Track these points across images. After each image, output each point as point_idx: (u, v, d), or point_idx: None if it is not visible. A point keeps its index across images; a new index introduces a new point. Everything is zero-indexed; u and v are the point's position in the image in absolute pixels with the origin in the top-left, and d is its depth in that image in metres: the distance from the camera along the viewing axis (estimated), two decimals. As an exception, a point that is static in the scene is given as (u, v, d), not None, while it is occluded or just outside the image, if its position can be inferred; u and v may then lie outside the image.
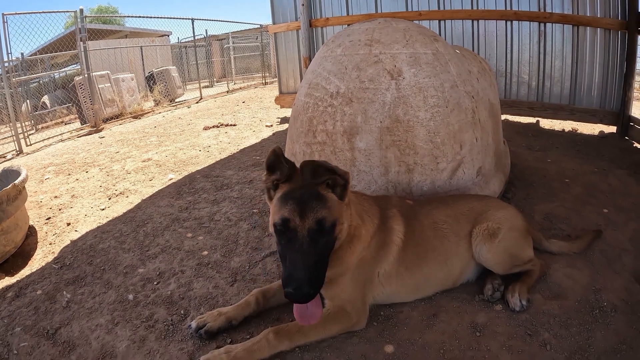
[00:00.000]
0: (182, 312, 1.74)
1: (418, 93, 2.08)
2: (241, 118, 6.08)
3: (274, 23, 5.68)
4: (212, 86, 12.16)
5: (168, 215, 2.68)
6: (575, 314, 1.57)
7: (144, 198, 3.07)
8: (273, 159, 1.34)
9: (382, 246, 1.58)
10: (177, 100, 9.43)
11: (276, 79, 6.81)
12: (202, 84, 10.24)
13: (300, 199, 1.31)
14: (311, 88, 2.36)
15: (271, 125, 5.29)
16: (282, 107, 6.06)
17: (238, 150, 4.17)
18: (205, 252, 2.21)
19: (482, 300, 1.67)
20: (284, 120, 5.57)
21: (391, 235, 1.59)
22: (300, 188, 1.34)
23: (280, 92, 5.99)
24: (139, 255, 2.23)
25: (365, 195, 1.75)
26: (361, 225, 1.54)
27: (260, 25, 14.12)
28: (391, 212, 1.64)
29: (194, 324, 1.57)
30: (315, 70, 2.40)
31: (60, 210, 3.08)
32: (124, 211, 2.87)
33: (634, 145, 3.67)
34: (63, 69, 11.14)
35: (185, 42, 13.48)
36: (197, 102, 8.91)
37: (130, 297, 1.86)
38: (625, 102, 3.78)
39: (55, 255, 2.34)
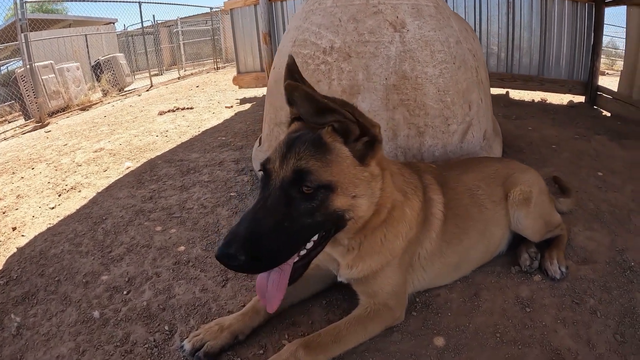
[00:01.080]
0: (165, 327, 1.36)
1: (425, 47, 1.86)
2: (197, 101, 5.53)
3: (230, -1, 5.28)
4: (161, 74, 11.39)
5: (130, 208, 2.22)
6: (610, 276, 1.50)
7: (99, 191, 2.56)
8: (290, 90, 0.99)
9: (424, 222, 1.32)
10: (126, 89, 8.83)
11: (228, 64, 6.37)
12: (151, 73, 9.52)
13: (292, 140, 1.02)
14: (297, 46, 2.04)
15: (231, 107, 4.85)
16: (240, 87, 5.62)
17: (200, 133, 3.71)
18: (182, 248, 1.83)
19: (519, 272, 1.53)
20: (244, 101, 5.14)
21: (432, 208, 1.33)
22: (301, 129, 1.06)
23: (239, 72, 5.54)
24: (100, 258, 1.79)
25: (399, 162, 1.44)
26: (404, 202, 1.23)
27: (210, 8, 13.46)
28: (427, 180, 1.37)
29: (187, 345, 1.20)
30: (300, 26, 2.08)
31: (4, 213, 2.49)
32: (78, 208, 2.36)
33: (603, 113, 3.84)
34: (4, 64, 9.70)
35: (133, 30, 12.51)
36: (147, 90, 8.27)
37: (96, 314, 1.44)
38: (593, 72, 3.94)
39: None
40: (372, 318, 1.21)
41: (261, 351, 1.23)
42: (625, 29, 3.76)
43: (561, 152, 2.76)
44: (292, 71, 1.10)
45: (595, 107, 3.99)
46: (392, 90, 1.84)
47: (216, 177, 2.58)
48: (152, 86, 8.72)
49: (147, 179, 2.62)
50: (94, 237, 1.95)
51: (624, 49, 3.85)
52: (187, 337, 1.25)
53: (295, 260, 1.02)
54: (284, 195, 0.97)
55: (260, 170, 1.05)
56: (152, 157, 3.09)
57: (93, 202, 2.38)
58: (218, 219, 2.06)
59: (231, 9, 5.29)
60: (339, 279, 1.29)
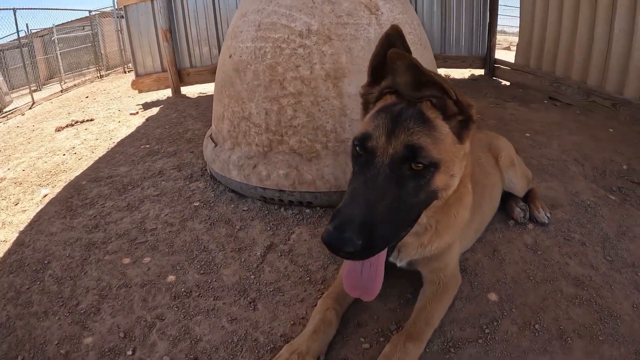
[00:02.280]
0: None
1: (395, 28, 1.97)
2: (95, 112, 4.67)
3: (123, -6, 4.60)
4: (40, 89, 9.34)
5: (75, 243, 1.78)
6: (578, 215, 1.86)
7: (21, 229, 1.99)
8: (394, 58, 0.93)
9: None
10: (5, 110, 6.99)
11: (113, 71, 5.53)
12: (31, 88, 7.71)
13: (397, 114, 0.97)
14: (264, 30, 1.92)
15: (136, 113, 4.26)
16: (141, 91, 4.97)
17: (115, 144, 3.16)
18: (172, 277, 1.56)
19: (515, 224, 1.78)
20: (148, 105, 4.54)
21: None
22: (400, 103, 1.01)
23: (137, 75, 4.89)
24: (69, 316, 1.39)
25: None
26: (466, 176, 1.22)
27: (89, 12, 11.55)
28: None
29: None
30: (263, 9, 1.96)
31: None
32: (0, 256, 1.79)
33: (503, 83, 4.65)
34: None
35: (4, 43, 9.85)
36: (30, 108, 6.79)
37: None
38: (490, 47, 4.72)
39: None
40: (446, 291, 1.26)
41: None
42: (519, 8, 4.57)
43: (487, 120, 3.26)
44: (394, 40, 1.03)
45: (494, 77, 4.81)
46: None
47: (165, 189, 2.27)
48: (34, 103, 7.23)
49: (78, 204, 2.14)
50: (44, 290, 1.51)
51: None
52: None
53: None
54: (394, 173, 0.92)
55: (356, 146, 0.99)
56: (71, 178, 2.52)
57: (20, 244, 1.82)
58: (197, 235, 1.83)
59: (125, 6, 4.65)
60: (399, 264, 1.31)
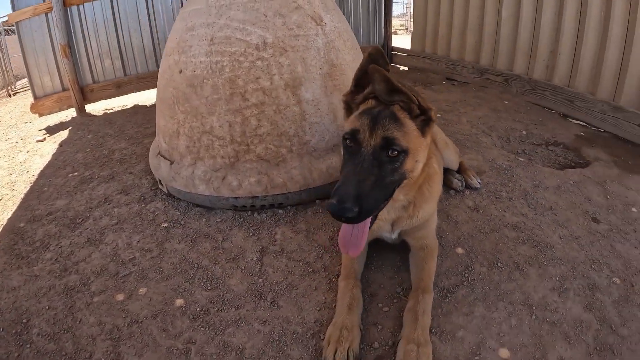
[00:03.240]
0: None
1: (339, 37, 2.24)
2: None
3: (14, 10, 3.97)
4: None
5: (49, 292, 1.61)
6: (499, 177, 2.38)
7: None
8: (373, 72, 1.26)
9: None
10: None
11: None
12: None
13: (376, 115, 1.29)
14: (218, 44, 2.00)
15: (44, 139, 3.70)
16: (41, 114, 4.35)
17: (37, 177, 2.75)
18: (180, 301, 1.57)
19: (455, 192, 2.23)
20: (53, 129, 3.94)
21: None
22: (378, 106, 1.33)
23: (36, 97, 4.25)
24: None
25: None
26: (432, 159, 1.54)
27: None
28: None
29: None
30: (213, 23, 2.02)
31: None
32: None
33: (401, 68, 5.31)
34: None
35: None
36: None
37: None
38: (387, 36, 5.36)
39: None
40: (432, 252, 1.60)
41: (378, 327, 1.43)
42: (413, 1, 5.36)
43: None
44: (376, 58, 1.32)
45: (392, 64, 5.48)
46: (327, 78, 2.14)
47: (122, 216, 2.18)
48: None
49: (28, 249, 1.91)
50: (40, 352, 1.36)
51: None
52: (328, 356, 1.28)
53: None
54: (376, 159, 1.25)
55: (347, 139, 1.30)
56: (3, 222, 2.18)
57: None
58: (183, 255, 1.85)
59: (17, 22, 3.99)
60: (393, 236, 1.60)
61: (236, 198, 2.12)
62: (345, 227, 1.33)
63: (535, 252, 1.74)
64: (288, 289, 1.63)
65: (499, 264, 1.67)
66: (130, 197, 2.39)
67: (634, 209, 1.98)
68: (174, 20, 4.37)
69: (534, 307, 1.46)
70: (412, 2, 5.09)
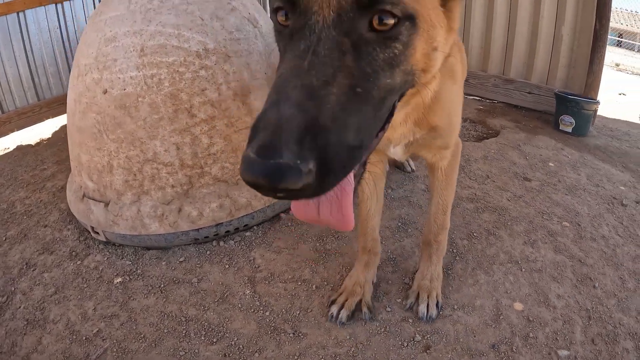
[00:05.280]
0: None
1: (272, 40, 2.20)
2: None
3: None
4: None
5: None
6: None
7: None
8: None
9: None
10: None
11: None
12: None
13: None
14: (151, 54, 1.74)
15: None
16: None
17: None
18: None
19: (407, 173, 2.47)
20: None
21: None
22: None
23: None
24: None
25: None
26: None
27: None
28: None
29: (343, 313, 1.48)
30: (142, 31, 1.75)
31: None
32: None
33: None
34: None
35: None
36: None
37: None
38: None
39: None
40: (456, 159, 1.40)
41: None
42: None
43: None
44: None
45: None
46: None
47: (58, 281, 1.74)
48: None
49: None
50: None
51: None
52: (335, 304, 1.51)
53: None
54: (346, 35, 0.62)
55: (277, 11, 0.69)
56: None
57: None
58: (161, 310, 1.57)
59: None
60: (398, 153, 1.21)
61: (198, 230, 1.90)
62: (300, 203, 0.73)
63: (496, 216, 2.04)
64: (303, 314, 1.55)
65: (475, 234, 1.91)
66: (57, 255, 1.91)
67: (550, 164, 2.49)
68: (52, 45, 3.59)
69: (519, 262, 1.73)
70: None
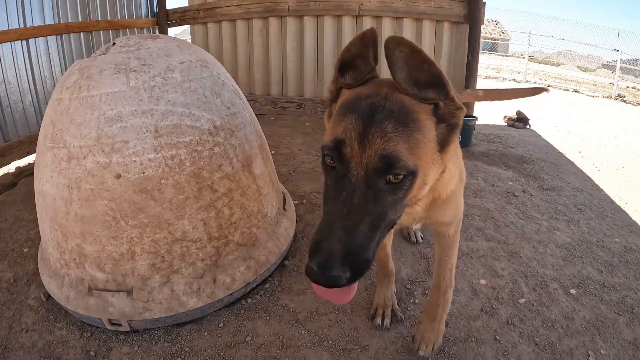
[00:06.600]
0: None
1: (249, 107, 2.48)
2: None
3: None
4: None
5: None
6: None
7: None
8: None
9: None
10: None
11: None
12: None
13: (369, 112, 0.89)
14: (166, 135, 1.85)
15: None
16: None
17: None
18: None
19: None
20: None
21: None
22: (372, 96, 0.92)
23: None
24: None
25: None
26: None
27: None
28: None
29: (387, 320, 1.94)
30: (153, 110, 1.83)
31: None
32: None
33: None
34: None
35: None
36: None
37: None
38: None
39: None
40: (459, 225, 1.59)
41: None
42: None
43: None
44: (369, 40, 0.95)
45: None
46: (263, 147, 2.35)
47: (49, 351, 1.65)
48: None
49: None
50: None
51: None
52: (377, 317, 1.95)
53: None
54: (370, 189, 0.88)
55: (327, 156, 0.94)
56: None
57: None
58: None
59: None
60: (415, 226, 1.48)
61: (231, 294, 2.06)
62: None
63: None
64: (355, 332, 1.91)
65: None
66: (44, 337, 1.77)
67: (510, 183, 3.42)
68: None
69: (469, 254, 2.50)
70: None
